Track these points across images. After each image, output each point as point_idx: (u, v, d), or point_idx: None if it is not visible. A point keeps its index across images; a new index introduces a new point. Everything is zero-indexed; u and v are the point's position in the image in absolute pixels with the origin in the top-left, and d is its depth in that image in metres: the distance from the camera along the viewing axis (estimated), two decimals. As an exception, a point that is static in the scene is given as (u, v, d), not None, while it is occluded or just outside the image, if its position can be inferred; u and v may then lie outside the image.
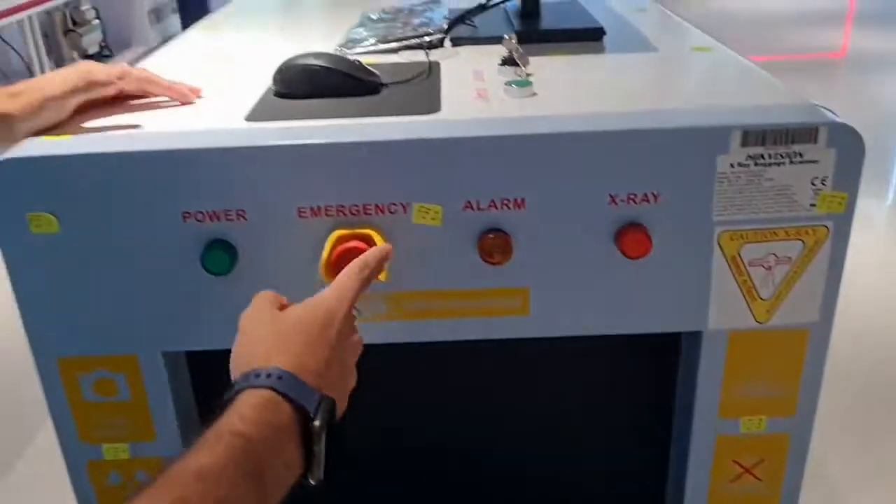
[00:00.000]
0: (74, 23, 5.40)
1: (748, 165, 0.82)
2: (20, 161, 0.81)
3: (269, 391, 0.57)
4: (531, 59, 1.03)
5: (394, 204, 0.83)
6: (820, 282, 0.87)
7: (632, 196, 0.83)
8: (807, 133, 0.81)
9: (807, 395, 0.93)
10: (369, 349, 0.89)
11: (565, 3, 1.36)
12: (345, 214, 0.83)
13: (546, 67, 1.03)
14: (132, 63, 0.99)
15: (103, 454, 0.95)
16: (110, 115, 0.90)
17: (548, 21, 1.22)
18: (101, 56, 5.90)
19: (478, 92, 0.94)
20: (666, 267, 0.86)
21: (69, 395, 0.91)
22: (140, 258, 0.84)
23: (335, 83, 0.94)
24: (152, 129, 0.87)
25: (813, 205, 0.84)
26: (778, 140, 0.81)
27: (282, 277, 0.85)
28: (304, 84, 0.94)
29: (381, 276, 0.81)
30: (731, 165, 0.82)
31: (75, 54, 5.40)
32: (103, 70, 0.90)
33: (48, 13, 5.19)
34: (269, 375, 0.58)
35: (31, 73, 5.15)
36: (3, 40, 5.03)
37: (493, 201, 0.83)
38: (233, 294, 0.85)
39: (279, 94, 0.95)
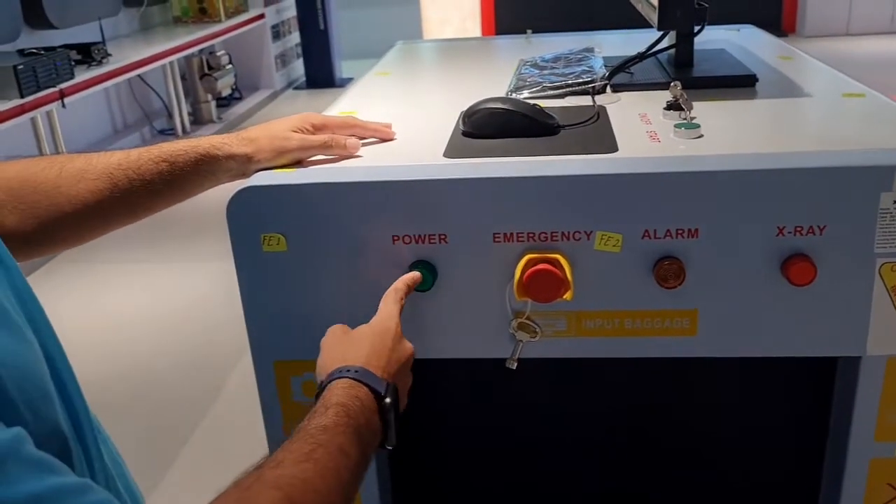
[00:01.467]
0: (210, 67, 5.76)
1: (910, 202, 0.89)
2: (257, 189, 0.95)
3: (351, 380, 0.79)
4: (713, 103, 1.13)
5: (578, 232, 0.93)
6: (978, 312, 0.93)
7: (798, 228, 0.91)
8: (967, 172, 0.87)
9: (963, 422, 0.98)
10: (549, 363, 1.00)
11: (716, 51, 1.45)
12: (534, 240, 0.94)
13: (706, 112, 1.12)
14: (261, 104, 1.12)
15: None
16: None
17: (701, 68, 1.31)
18: (232, 98, 6.27)
19: (649, 134, 1.03)
20: (829, 295, 0.93)
21: (280, 394, 1.04)
22: (355, 275, 0.96)
23: (518, 124, 1.05)
24: (365, 163, 1.00)
25: (972, 238, 0.90)
26: (939, 178, 0.88)
27: (476, 294, 0.96)
28: (489, 126, 1.05)
29: (567, 296, 0.91)
30: (894, 202, 0.89)
31: (209, 96, 5.76)
32: (318, 116, 1.04)
33: (186, 59, 5.56)
34: (348, 370, 0.81)
35: (169, 113, 5.53)
36: (146, 83, 5.41)
37: (668, 231, 0.92)
38: (433, 308, 0.97)
39: (467, 134, 1.07)
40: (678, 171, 0.90)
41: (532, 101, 1.15)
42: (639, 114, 1.13)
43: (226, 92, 5.99)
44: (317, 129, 1.03)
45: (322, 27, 6.83)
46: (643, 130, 1.05)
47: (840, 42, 7.08)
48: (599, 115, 1.13)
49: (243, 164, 0.98)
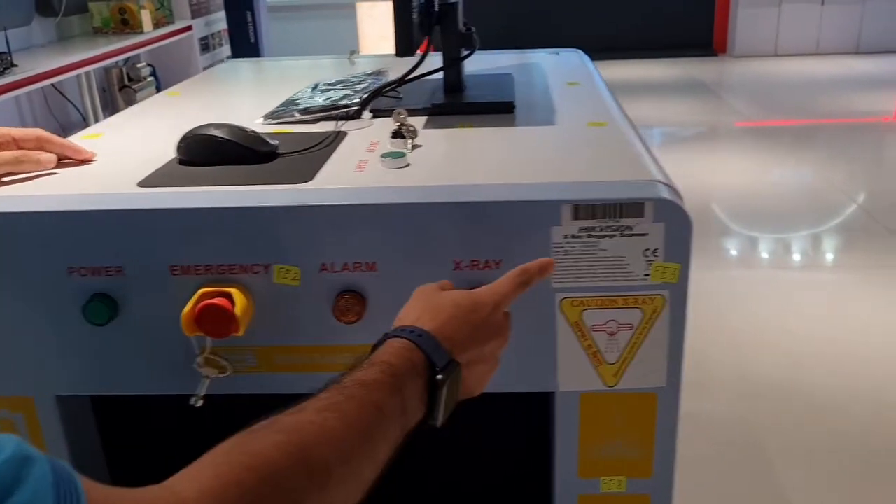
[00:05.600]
0: (130, 79, 5.69)
1: (581, 237, 0.87)
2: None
3: (410, 342, 0.70)
4: (447, 131, 1.11)
5: (256, 265, 0.90)
6: (662, 348, 0.92)
7: (475, 262, 0.89)
8: (634, 208, 0.86)
9: (662, 457, 0.97)
10: (243, 399, 0.97)
11: (500, 76, 1.44)
12: (213, 273, 0.91)
13: (441, 139, 1.11)
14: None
15: None
16: (11, 180, 1.00)
17: (469, 94, 1.30)
18: (155, 111, 6.18)
19: (360, 163, 1.01)
20: (516, 331, 0.91)
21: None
22: (27, 308, 0.93)
23: (231, 152, 1.02)
24: (50, 192, 0.96)
25: (647, 275, 0.89)
26: (608, 214, 0.86)
27: (158, 329, 0.93)
28: (201, 152, 1.03)
29: (238, 332, 0.89)
30: (565, 236, 0.87)
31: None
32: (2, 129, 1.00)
33: (106, 70, 5.48)
34: (412, 331, 0.72)
35: (86, 125, 5.44)
36: (62, 94, 5.33)
37: (346, 264, 0.90)
38: (114, 343, 0.94)
39: (182, 162, 1.04)
40: (350, 203, 0.88)
41: (281, 127, 1.12)
42: (371, 140, 1.11)
43: (146, 105, 5.90)
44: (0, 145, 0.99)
45: (252, 40, 6.78)
46: (357, 159, 1.03)
47: (768, 63, 7.19)
48: (333, 142, 1.11)
49: None
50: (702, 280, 3.08)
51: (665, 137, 5.19)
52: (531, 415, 1.03)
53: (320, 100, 1.30)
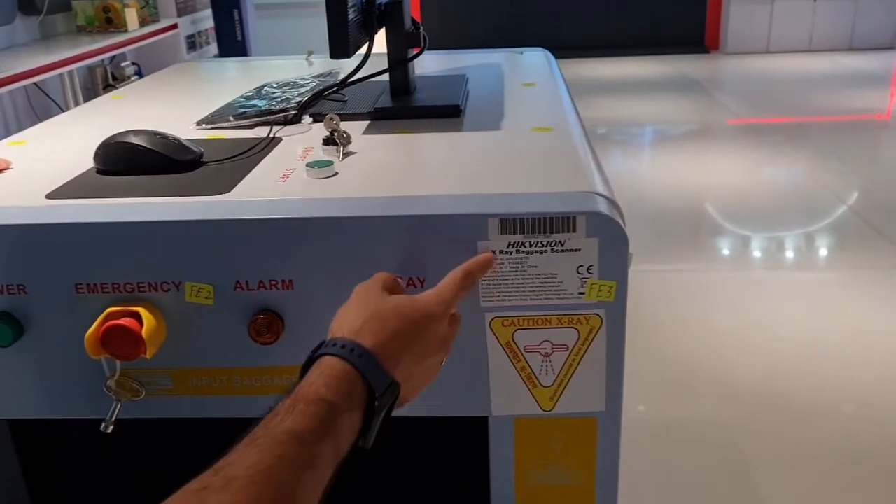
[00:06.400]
0: (115, 78, 5.63)
1: (510, 253, 0.82)
2: None
3: (350, 366, 0.65)
4: (386, 137, 1.06)
5: (167, 283, 0.85)
6: (601, 370, 0.86)
7: (401, 279, 0.83)
8: (564, 222, 0.80)
9: (604, 484, 0.91)
10: (159, 423, 0.91)
11: (454, 78, 1.38)
12: (121, 291, 0.85)
13: (378, 146, 1.05)
14: None
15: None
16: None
17: (416, 97, 1.24)
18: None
19: (285, 173, 0.96)
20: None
21: None
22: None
23: (150, 161, 0.97)
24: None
25: (582, 293, 0.83)
26: (537, 228, 0.81)
27: (67, 351, 0.87)
28: (119, 161, 0.97)
29: (146, 354, 0.83)
30: (494, 252, 0.82)
31: (113, 108, 5.61)
32: None
33: (90, 69, 5.42)
34: (352, 350, 0.66)
35: (70, 126, 5.37)
36: (45, 93, 5.26)
37: (261, 282, 0.84)
38: (18, 365, 0.88)
39: (101, 171, 0.98)
40: (263, 217, 0.83)
41: (216, 132, 1.07)
42: (306, 147, 1.06)
43: (131, 103, 5.84)
44: None
45: (239, 38, 6.72)
46: (284, 168, 0.97)
47: (761, 60, 7.13)
48: (266, 148, 1.05)
49: None
50: (689, 280, 3.04)
51: (656, 135, 5.13)
52: (467, 440, 0.98)
53: (262, 103, 1.24)
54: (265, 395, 0.89)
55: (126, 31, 5.74)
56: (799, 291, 2.92)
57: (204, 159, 1.00)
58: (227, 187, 0.91)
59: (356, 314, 0.71)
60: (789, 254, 3.30)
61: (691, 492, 1.89)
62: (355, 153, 1.02)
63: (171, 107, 1.37)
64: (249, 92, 1.34)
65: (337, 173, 0.94)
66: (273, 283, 0.84)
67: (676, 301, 2.70)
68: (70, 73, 5.15)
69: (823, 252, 3.30)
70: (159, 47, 6.31)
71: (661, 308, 2.66)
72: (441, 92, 1.27)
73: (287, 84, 1.36)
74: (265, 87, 1.36)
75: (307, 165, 0.94)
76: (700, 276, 3.00)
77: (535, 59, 1.63)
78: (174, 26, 6.40)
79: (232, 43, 6.72)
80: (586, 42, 7.47)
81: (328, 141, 1.01)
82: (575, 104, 1.28)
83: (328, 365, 0.65)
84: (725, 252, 3.29)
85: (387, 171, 0.97)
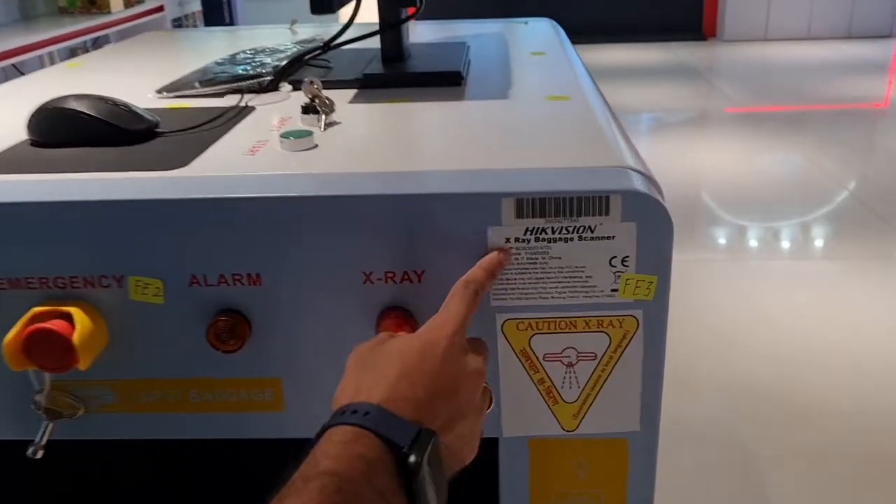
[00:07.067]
0: (96, 61, 5.43)
1: (528, 241, 0.66)
2: None
3: (356, 427, 0.51)
4: (376, 105, 0.90)
5: (105, 277, 0.69)
6: (635, 383, 0.71)
7: (389, 274, 0.68)
8: (595, 203, 0.65)
9: (636, 518, 0.77)
10: (99, 445, 0.76)
11: (454, 45, 1.22)
12: (49, 287, 0.70)
13: (366, 116, 0.90)
14: None
15: None
16: None
17: (410, 63, 1.09)
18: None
19: (253, 146, 0.80)
20: (445, 360, 0.70)
21: None
22: None
23: (93, 130, 0.81)
24: None
25: (615, 290, 0.68)
26: (561, 211, 0.65)
27: (-18, 359, 0.71)
28: (58, 131, 0.81)
29: (81, 365, 0.67)
30: (508, 240, 0.66)
31: (94, 92, 5.42)
32: None
33: (72, 50, 5.23)
34: (354, 412, 0.53)
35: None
36: (22, 73, 5.06)
37: (223, 277, 0.69)
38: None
39: (35, 143, 0.83)
40: (225, 196, 0.67)
41: (181, 101, 0.91)
42: (282, 118, 0.90)
43: (113, 87, 5.67)
44: None
45: (228, 21, 6.55)
46: (255, 140, 0.82)
47: (759, 47, 6.99)
48: (235, 118, 0.90)
49: None
50: (688, 270, 2.90)
51: (654, 123, 4.98)
52: (474, 465, 0.83)
53: (235, 69, 1.08)
54: (226, 413, 0.74)
55: (109, 12, 5.57)
56: (801, 280, 2.80)
57: (160, 129, 0.85)
58: (184, 161, 0.75)
59: (351, 378, 0.58)
60: (790, 242, 3.17)
61: (691, 492, 1.76)
62: (339, 123, 0.87)
63: (134, 75, 1.21)
64: (222, 59, 1.18)
65: (317, 145, 0.79)
66: (237, 277, 0.69)
67: (674, 291, 2.56)
68: (51, 55, 4.97)
69: (825, 240, 3.17)
70: (144, 30, 6.12)
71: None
72: (439, 58, 1.11)
73: (264, 50, 1.20)
74: (240, 54, 1.20)
75: (281, 136, 0.79)
76: (698, 265, 2.88)
77: (542, 28, 1.48)
78: (160, 8, 6.20)
79: (220, 26, 6.56)
80: (583, 28, 7.32)
81: (308, 109, 0.86)
82: (590, 73, 1.13)
83: (330, 436, 0.52)
84: (723, 241, 3.16)
85: (377, 143, 0.82)
